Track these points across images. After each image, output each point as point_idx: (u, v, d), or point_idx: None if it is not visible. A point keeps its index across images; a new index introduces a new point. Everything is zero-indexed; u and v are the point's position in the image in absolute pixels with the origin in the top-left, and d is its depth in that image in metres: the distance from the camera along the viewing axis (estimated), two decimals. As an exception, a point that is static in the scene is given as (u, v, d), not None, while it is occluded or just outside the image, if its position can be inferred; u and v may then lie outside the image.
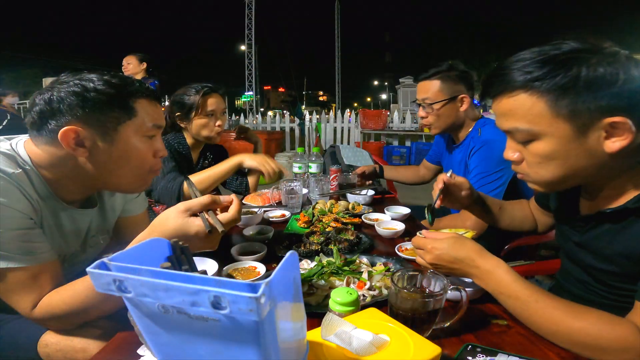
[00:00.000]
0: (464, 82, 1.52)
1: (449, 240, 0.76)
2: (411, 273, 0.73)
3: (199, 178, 1.48)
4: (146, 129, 0.81)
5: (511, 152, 0.76)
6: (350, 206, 1.50)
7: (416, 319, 0.66)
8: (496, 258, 0.73)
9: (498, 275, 0.71)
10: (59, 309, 0.74)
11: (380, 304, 0.78)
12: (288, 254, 0.45)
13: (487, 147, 1.42)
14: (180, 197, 1.42)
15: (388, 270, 0.91)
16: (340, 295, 0.69)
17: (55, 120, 0.74)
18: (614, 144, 0.65)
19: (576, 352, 0.64)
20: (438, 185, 1.02)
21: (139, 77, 3.69)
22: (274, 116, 8.26)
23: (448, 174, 1.04)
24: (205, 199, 0.77)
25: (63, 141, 0.74)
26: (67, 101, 0.74)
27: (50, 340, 0.79)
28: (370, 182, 1.95)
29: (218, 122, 1.59)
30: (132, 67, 3.72)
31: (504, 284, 0.70)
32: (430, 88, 1.51)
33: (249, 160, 1.53)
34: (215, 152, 1.79)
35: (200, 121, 1.56)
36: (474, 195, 1.08)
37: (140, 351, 0.64)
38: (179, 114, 1.55)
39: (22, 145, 0.80)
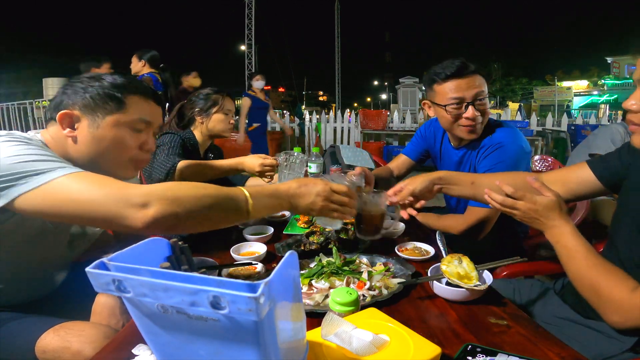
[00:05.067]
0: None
1: (551, 202, 0.86)
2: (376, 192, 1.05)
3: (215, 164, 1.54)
4: (133, 122, 0.89)
5: (634, 101, 0.81)
6: (350, 206, 1.49)
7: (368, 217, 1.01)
8: (569, 221, 0.85)
9: (563, 231, 0.84)
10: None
11: (380, 304, 0.78)
12: (288, 254, 0.45)
13: (500, 150, 1.34)
14: (170, 174, 1.42)
15: (388, 270, 0.91)
16: (340, 295, 0.69)
17: (62, 106, 0.86)
18: None
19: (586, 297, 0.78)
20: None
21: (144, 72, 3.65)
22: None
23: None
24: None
25: (59, 122, 0.85)
26: (74, 92, 0.87)
27: (48, 342, 0.78)
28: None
29: (232, 121, 1.82)
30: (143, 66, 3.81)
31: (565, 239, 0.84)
32: (481, 82, 1.30)
33: (249, 162, 1.55)
34: (215, 152, 1.96)
35: (219, 116, 1.75)
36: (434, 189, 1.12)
37: (135, 350, 0.64)
38: (199, 109, 1.72)
39: (39, 133, 0.90)
